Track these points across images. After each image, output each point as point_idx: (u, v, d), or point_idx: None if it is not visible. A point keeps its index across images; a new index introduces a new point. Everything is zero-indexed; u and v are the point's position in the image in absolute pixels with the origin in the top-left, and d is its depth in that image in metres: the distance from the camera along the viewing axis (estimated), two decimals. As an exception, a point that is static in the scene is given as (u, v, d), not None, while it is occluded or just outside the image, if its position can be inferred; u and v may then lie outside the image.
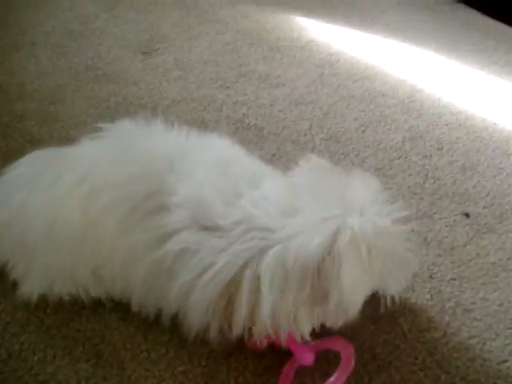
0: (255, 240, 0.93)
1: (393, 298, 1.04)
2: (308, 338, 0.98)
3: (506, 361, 1.12)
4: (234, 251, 0.93)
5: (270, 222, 0.93)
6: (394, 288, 1.02)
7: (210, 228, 0.96)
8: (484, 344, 1.14)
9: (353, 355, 1.02)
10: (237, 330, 0.97)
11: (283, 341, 1.00)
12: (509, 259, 1.33)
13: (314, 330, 1.00)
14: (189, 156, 1.06)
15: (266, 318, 0.91)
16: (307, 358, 1.04)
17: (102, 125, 1.16)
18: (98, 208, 1.05)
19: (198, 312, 0.97)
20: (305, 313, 0.94)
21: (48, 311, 1.14)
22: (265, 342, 1.04)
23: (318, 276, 0.89)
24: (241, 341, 1.03)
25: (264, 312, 0.91)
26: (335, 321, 0.98)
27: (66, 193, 1.07)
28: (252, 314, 0.94)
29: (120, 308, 1.14)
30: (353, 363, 1.01)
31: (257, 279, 0.91)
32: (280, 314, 0.92)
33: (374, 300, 1.16)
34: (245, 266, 0.92)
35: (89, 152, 1.12)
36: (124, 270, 1.04)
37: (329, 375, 1.02)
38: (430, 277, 1.27)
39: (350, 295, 0.90)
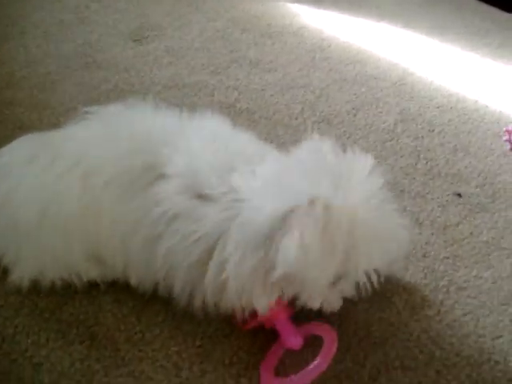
0: (232, 210, 0.93)
1: (380, 276, 1.00)
2: (264, 311, 0.96)
3: (499, 336, 1.12)
4: (214, 220, 0.94)
5: (249, 193, 0.93)
6: (381, 266, 0.99)
7: (200, 196, 0.97)
8: (478, 321, 1.15)
9: (335, 341, 1.01)
10: (211, 300, 0.97)
11: (267, 321, 1.02)
12: (501, 238, 1.33)
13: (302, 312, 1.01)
14: (185, 131, 1.07)
15: (229, 291, 0.92)
16: (293, 341, 1.03)
17: (90, 108, 1.16)
18: (97, 186, 1.05)
19: (179, 279, 0.98)
20: (259, 283, 0.92)
21: (41, 295, 1.13)
22: (251, 322, 1.03)
23: (269, 245, 0.88)
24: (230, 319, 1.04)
25: (228, 284, 0.92)
26: (298, 295, 0.96)
27: (60, 176, 1.06)
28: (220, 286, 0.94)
29: (113, 290, 1.14)
30: (334, 349, 1.00)
31: (225, 248, 0.92)
32: (237, 285, 0.92)
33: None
34: (220, 234, 0.93)
35: (80, 134, 1.11)
36: (124, 245, 1.04)
37: (310, 360, 1.01)
38: (424, 256, 1.27)
39: (299, 268, 0.87)
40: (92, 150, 1.06)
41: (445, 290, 1.20)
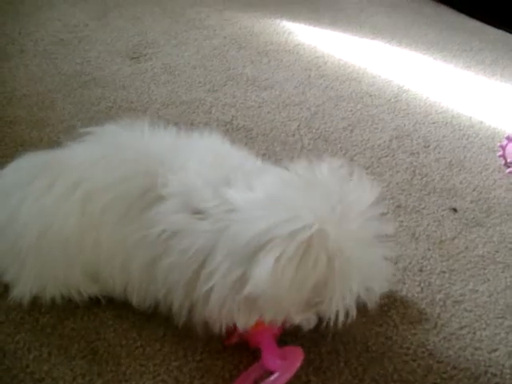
0: (224, 221, 0.93)
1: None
2: (243, 327, 0.97)
3: (496, 349, 1.13)
4: (207, 233, 0.94)
5: (242, 205, 0.94)
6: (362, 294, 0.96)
7: (196, 212, 0.97)
8: (474, 334, 1.16)
9: (299, 361, 0.98)
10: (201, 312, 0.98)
11: (251, 341, 1.03)
12: (497, 252, 1.35)
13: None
14: (180, 151, 1.07)
15: (211, 302, 0.93)
16: (273, 363, 1.00)
17: (89, 129, 1.17)
18: (94, 211, 1.05)
19: (178, 296, 0.99)
20: (240, 303, 0.92)
21: (42, 310, 1.14)
22: (232, 338, 1.05)
23: (249, 262, 0.89)
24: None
25: (211, 295, 0.93)
26: (270, 317, 0.95)
27: (60, 199, 1.07)
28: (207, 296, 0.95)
29: (114, 305, 1.14)
30: (295, 367, 0.98)
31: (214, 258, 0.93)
32: (219, 297, 0.92)
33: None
34: (212, 246, 0.94)
35: (79, 156, 1.11)
36: (124, 268, 1.05)
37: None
38: (420, 270, 1.29)
39: (266, 293, 0.87)
40: (90, 173, 1.07)
41: (441, 303, 1.22)
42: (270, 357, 1.00)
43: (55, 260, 1.08)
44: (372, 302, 0.97)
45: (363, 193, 0.95)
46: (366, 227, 0.93)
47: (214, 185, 0.99)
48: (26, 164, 1.17)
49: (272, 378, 0.97)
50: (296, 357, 0.99)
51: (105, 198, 1.05)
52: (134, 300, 1.08)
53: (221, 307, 0.93)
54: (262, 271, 0.86)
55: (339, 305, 0.92)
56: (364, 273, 0.92)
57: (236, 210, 0.94)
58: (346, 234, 0.89)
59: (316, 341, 1.11)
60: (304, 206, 0.90)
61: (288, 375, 0.97)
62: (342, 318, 0.94)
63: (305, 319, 1.01)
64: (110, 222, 1.05)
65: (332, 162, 1.00)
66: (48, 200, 1.07)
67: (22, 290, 1.12)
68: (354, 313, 0.94)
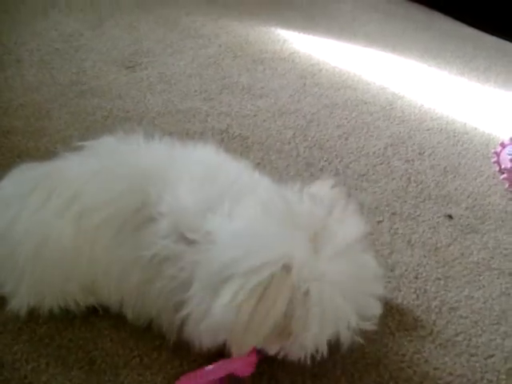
0: (204, 252, 0.95)
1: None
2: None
3: (492, 355, 1.14)
4: (191, 262, 0.96)
5: (221, 236, 0.94)
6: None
7: (184, 239, 0.98)
8: (470, 340, 1.17)
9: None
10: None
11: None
12: (492, 258, 1.36)
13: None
14: (174, 166, 1.08)
15: (188, 330, 0.98)
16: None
17: (86, 142, 1.17)
18: (89, 228, 1.06)
19: (167, 318, 1.03)
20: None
21: (40, 321, 1.14)
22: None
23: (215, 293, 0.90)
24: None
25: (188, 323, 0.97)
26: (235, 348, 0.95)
27: (56, 214, 1.07)
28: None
29: (111, 315, 1.14)
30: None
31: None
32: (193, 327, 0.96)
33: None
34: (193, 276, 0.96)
35: (75, 170, 1.12)
36: (119, 284, 1.06)
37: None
38: (416, 277, 1.30)
39: (226, 325, 0.89)
40: (86, 188, 1.07)
41: (437, 310, 1.23)
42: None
43: (52, 273, 1.08)
44: (347, 340, 0.96)
45: (348, 227, 0.95)
46: (347, 263, 0.92)
47: (202, 208, 0.99)
48: (24, 175, 1.17)
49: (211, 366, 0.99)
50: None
51: (99, 216, 1.06)
52: (129, 316, 1.10)
53: (196, 332, 0.96)
54: (221, 304, 0.87)
55: (309, 341, 0.92)
56: (341, 310, 0.91)
57: (214, 240, 0.94)
58: (316, 271, 0.89)
59: (313, 349, 1.12)
60: (277, 240, 0.90)
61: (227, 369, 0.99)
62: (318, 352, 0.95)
63: (282, 350, 0.98)
64: (104, 239, 1.06)
65: (324, 184, 1.01)
66: (45, 214, 1.07)
67: (20, 302, 1.12)
68: (324, 350, 0.95)
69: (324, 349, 0.95)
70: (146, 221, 1.03)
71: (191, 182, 1.03)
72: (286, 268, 0.87)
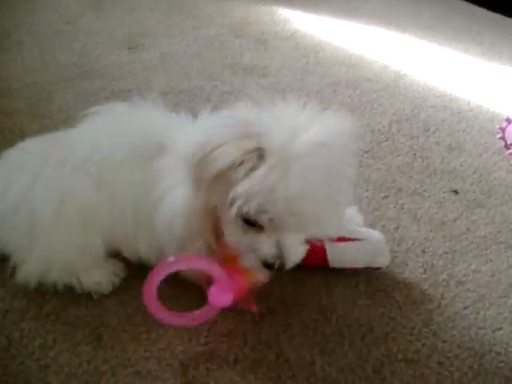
0: None
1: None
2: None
3: (500, 328, 1.14)
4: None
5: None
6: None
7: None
8: (478, 313, 1.16)
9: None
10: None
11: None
12: (498, 232, 1.36)
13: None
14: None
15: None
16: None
17: (98, 107, 1.18)
18: (111, 167, 1.09)
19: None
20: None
21: (46, 298, 1.14)
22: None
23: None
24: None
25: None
26: None
27: (75, 171, 1.10)
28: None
29: (117, 292, 1.15)
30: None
31: None
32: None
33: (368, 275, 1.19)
34: None
35: (90, 130, 1.16)
36: (135, 217, 1.10)
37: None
38: (423, 251, 1.29)
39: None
40: (102, 142, 1.11)
41: (445, 284, 1.22)
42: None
43: (70, 235, 1.09)
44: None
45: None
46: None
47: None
48: (37, 142, 1.20)
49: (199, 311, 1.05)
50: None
51: (121, 154, 1.09)
52: (142, 252, 1.12)
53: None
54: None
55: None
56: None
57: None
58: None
59: (320, 323, 1.11)
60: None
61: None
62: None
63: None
64: (125, 173, 1.09)
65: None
66: (64, 172, 1.10)
67: (29, 272, 1.12)
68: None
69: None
70: (159, 153, 1.07)
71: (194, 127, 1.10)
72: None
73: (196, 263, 1.04)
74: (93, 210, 1.09)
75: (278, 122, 0.93)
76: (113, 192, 1.09)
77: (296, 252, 0.97)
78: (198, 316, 1.06)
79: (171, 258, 1.01)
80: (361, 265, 1.19)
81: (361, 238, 1.19)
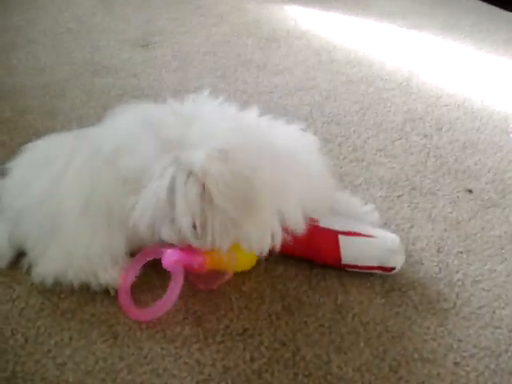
0: None
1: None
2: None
3: (516, 327, 1.13)
4: None
5: None
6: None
7: None
8: (494, 313, 1.16)
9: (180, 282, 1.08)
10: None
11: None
12: (514, 231, 1.35)
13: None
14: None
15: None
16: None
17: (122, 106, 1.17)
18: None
19: None
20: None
21: (62, 296, 1.14)
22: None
23: None
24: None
25: None
26: None
27: (104, 164, 1.09)
28: None
29: (133, 290, 1.14)
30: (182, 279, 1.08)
31: None
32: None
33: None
34: None
35: (115, 128, 1.13)
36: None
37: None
38: (438, 251, 1.29)
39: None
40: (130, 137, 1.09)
41: (460, 283, 1.21)
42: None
43: (95, 232, 1.10)
44: None
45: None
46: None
47: None
48: (62, 138, 1.21)
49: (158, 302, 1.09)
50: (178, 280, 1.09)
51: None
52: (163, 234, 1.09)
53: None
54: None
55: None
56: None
57: None
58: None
59: (336, 321, 1.11)
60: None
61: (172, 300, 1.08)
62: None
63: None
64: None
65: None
66: (91, 168, 1.09)
67: (46, 269, 1.12)
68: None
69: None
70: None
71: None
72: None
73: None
74: (119, 207, 1.08)
75: None
76: (139, 188, 1.08)
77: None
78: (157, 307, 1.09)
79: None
80: (374, 263, 1.18)
81: (375, 235, 1.19)
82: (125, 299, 1.11)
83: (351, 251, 1.18)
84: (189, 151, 0.98)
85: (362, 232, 1.18)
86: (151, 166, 0.99)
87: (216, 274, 1.12)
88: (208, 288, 1.14)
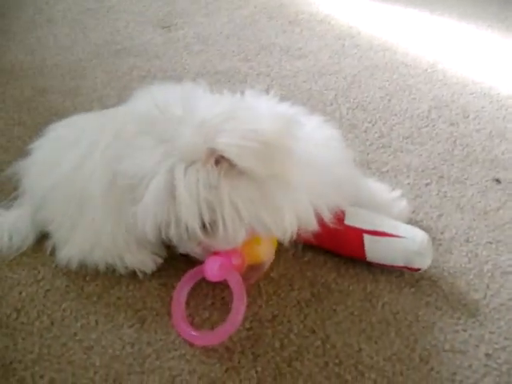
0: None
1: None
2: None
3: (548, 320, 1.11)
4: None
5: None
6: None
7: None
8: (525, 304, 1.14)
9: (244, 303, 1.02)
10: None
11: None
12: (543, 222, 1.33)
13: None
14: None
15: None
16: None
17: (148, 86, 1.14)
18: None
19: None
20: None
21: (87, 279, 1.13)
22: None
23: None
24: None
25: None
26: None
27: (133, 139, 1.03)
28: None
29: (159, 275, 1.13)
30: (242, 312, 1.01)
31: None
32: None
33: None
34: None
35: (142, 106, 1.08)
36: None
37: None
38: (467, 240, 1.26)
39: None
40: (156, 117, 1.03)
41: (489, 274, 1.19)
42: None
43: (120, 212, 1.06)
44: None
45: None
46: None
47: None
48: (81, 120, 1.19)
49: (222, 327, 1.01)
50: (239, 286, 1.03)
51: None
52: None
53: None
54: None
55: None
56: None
57: None
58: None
59: (366, 310, 1.10)
60: None
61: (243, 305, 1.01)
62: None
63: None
64: None
65: None
66: (116, 149, 1.05)
67: (71, 251, 1.11)
68: None
69: None
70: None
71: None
72: None
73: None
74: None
75: None
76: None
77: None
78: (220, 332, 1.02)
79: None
80: (400, 263, 1.15)
81: (402, 235, 1.14)
82: (180, 321, 1.04)
83: (376, 251, 1.14)
84: (176, 139, 0.94)
85: (389, 231, 1.14)
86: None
87: (252, 268, 1.08)
88: (246, 284, 1.06)
